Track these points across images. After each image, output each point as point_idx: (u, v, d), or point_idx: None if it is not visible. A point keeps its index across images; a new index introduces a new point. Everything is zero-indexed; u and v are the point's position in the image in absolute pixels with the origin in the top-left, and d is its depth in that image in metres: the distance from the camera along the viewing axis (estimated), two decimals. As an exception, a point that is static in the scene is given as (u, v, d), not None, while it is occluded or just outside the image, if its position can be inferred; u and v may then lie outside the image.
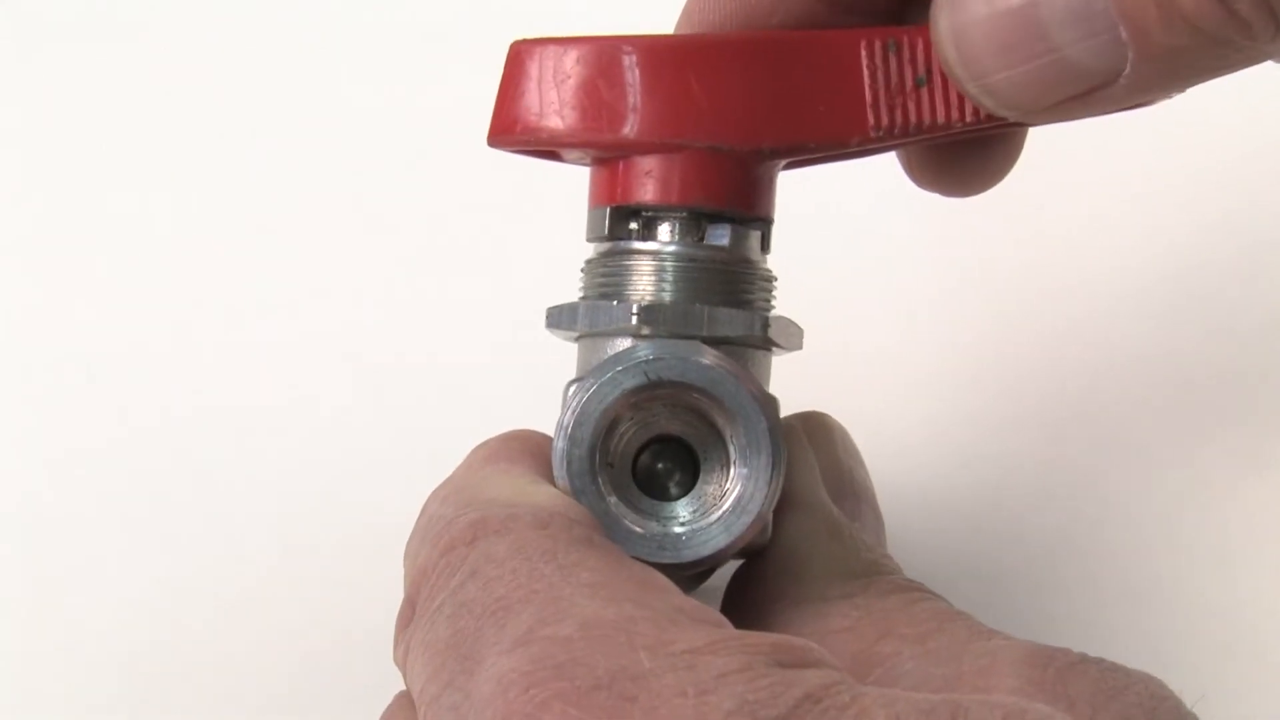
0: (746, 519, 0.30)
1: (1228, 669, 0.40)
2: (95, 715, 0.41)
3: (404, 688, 0.28)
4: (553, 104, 0.31)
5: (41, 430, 0.45)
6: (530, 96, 0.31)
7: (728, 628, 0.24)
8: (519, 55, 0.31)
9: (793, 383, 0.32)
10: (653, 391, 0.30)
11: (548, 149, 0.32)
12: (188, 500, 0.43)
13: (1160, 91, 0.28)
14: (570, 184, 0.33)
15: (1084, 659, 0.25)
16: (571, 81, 0.30)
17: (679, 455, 0.31)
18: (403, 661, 0.27)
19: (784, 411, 0.31)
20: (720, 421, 0.30)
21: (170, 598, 0.42)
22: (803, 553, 0.30)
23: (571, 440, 0.29)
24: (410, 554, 0.28)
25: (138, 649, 0.42)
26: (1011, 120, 0.29)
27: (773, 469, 0.30)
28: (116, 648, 0.42)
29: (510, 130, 0.31)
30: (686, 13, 0.33)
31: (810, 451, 0.32)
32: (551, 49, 0.31)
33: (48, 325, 0.45)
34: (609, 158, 0.31)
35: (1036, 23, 0.27)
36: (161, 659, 0.42)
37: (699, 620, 0.24)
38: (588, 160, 0.32)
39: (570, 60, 0.31)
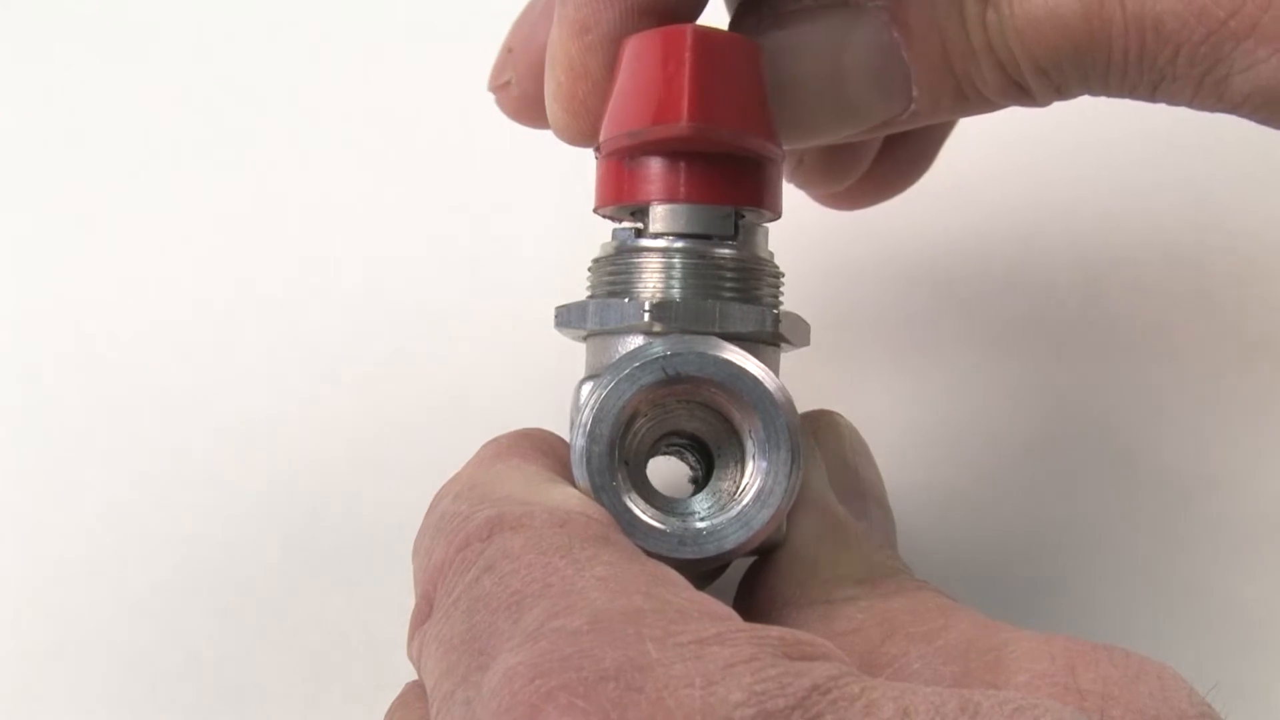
0: (767, 512, 0.29)
1: (1241, 666, 0.39)
2: (95, 715, 0.42)
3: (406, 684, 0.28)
4: (745, 102, 0.30)
5: (42, 429, 0.45)
6: (723, 92, 0.29)
7: (736, 620, 0.24)
8: (713, 47, 0.29)
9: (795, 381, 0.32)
10: (670, 387, 0.29)
11: (739, 149, 0.30)
12: (187, 499, 0.43)
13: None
14: (576, 181, 0.33)
15: (1094, 648, 0.25)
16: (753, 80, 0.30)
17: (691, 452, 0.31)
18: (417, 658, 0.27)
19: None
20: (736, 416, 0.30)
21: (169, 597, 0.42)
22: (808, 555, 0.30)
23: (591, 437, 0.29)
24: (422, 551, 0.28)
25: (137, 649, 0.42)
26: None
27: (792, 462, 0.29)
28: (116, 648, 0.42)
29: (709, 121, 0.29)
30: None
31: (817, 451, 0.32)
32: (731, 44, 0.30)
33: (49, 324, 0.45)
34: (625, 155, 0.31)
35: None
36: (161, 659, 0.42)
37: (707, 613, 0.24)
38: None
39: (753, 58, 0.30)
